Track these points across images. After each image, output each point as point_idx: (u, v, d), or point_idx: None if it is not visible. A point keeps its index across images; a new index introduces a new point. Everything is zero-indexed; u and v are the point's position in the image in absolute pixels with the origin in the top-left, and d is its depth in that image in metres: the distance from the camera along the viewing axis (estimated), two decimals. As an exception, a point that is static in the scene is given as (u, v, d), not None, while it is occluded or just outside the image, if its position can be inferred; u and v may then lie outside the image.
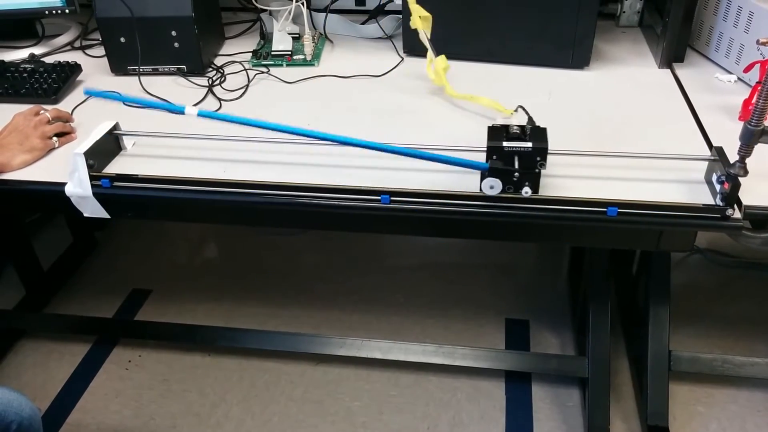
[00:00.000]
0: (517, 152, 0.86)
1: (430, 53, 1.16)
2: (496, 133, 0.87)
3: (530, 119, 0.94)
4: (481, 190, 0.89)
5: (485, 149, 0.87)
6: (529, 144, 0.85)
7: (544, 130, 0.88)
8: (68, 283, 1.85)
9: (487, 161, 0.87)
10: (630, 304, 1.60)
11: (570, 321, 1.66)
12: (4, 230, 1.69)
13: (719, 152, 0.90)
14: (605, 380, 1.37)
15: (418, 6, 1.13)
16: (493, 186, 0.87)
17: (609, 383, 1.38)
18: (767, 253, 1.84)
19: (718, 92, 1.17)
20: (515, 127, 0.88)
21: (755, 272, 1.81)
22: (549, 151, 0.95)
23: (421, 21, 1.14)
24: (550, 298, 1.76)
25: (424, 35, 1.15)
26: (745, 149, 0.84)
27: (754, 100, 0.82)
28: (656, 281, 1.35)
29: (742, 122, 0.84)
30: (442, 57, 1.16)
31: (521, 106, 1.01)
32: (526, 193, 0.88)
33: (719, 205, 0.87)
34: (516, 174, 0.87)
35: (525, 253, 1.94)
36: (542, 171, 0.88)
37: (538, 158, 0.86)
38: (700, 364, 1.40)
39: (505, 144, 0.85)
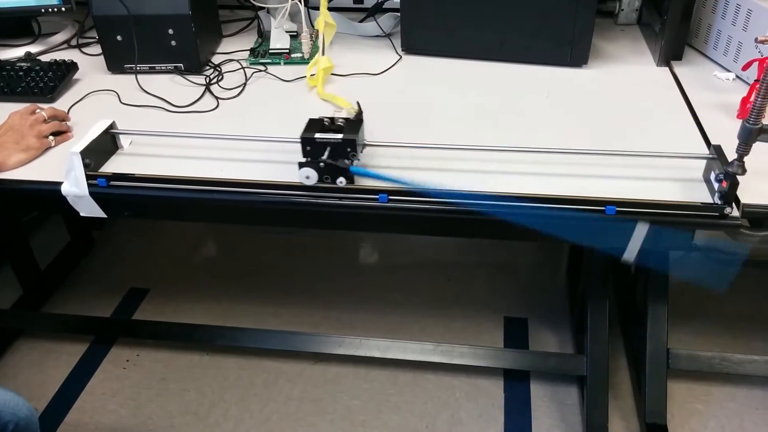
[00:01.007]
0: (329, 143, 0.90)
1: (318, 54, 1.21)
2: (315, 124, 0.92)
3: (358, 112, 1.00)
4: (300, 180, 0.92)
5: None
6: (340, 135, 0.89)
7: (359, 122, 0.94)
8: (65, 282, 1.85)
9: (302, 152, 0.91)
10: (628, 303, 1.60)
11: (569, 319, 1.66)
12: (1, 229, 1.69)
13: (717, 150, 0.90)
14: (603, 378, 1.37)
15: (327, 12, 1.19)
16: (309, 176, 0.90)
17: (607, 381, 1.38)
18: (765, 251, 1.84)
19: (717, 90, 1.17)
20: (339, 120, 0.92)
21: (753, 270, 1.81)
22: (548, 150, 0.97)
23: (324, 26, 1.20)
24: (549, 296, 1.76)
25: (323, 39, 1.21)
26: (743, 147, 0.84)
27: (752, 98, 0.82)
28: (654, 279, 1.34)
29: (740, 120, 0.84)
30: (327, 58, 1.22)
31: (358, 102, 1.06)
32: (341, 182, 0.91)
33: (717, 204, 0.87)
34: (324, 164, 0.90)
35: (524, 251, 1.94)
36: (540, 170, 0.88)
37: (348, 149, 0.90)
38: (699, 362, 1.40)
39: (317, 135, 0.90)
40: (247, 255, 1.95)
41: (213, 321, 1.68)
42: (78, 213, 1.00)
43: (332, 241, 1.99)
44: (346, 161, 0.90)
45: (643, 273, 1.41)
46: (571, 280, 1.75)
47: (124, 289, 1.82)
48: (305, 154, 0.91)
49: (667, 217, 0.88)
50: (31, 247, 1.76)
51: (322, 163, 0.89)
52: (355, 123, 0.93)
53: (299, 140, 0.91)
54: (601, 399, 1.37)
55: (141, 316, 1.73)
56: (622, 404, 1.45)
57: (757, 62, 1.10)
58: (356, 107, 1.08)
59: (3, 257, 1.77)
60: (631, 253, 0.88)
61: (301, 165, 0.90)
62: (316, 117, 0.94)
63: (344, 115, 0.96)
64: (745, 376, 1.47)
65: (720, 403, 1.46)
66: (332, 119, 0.93)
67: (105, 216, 1.00)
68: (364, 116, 1.12)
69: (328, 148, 0.90)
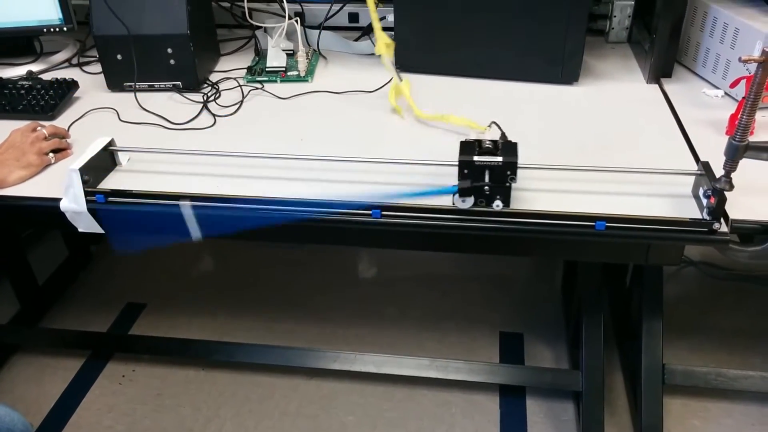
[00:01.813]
0: (488, 166, 0.88)
1: (395, 78, 1.20)
2: (468, 147, 0.90)
3: (503, 134, 0.97)
4: (453, 204, 0.90)
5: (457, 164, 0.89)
6: (500, 158, 0.87)
7: (515, 144, 0.90)
8: (63, 297, 1.85)
9: (459, 176, 0.89)
10: (624, 317, 1.61)
11: (564, 334, 1.67)
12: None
13: (705, 167, 0.92)
14: (599, 394, 1.37)
15: (383, 33, 1.17)
16: (464, 200, 0.89)
17: (603, 397, 1.38)
18: (760, 266, 1.85)
19: (706, 107, 1.19)
20: (487, 142, 0.90)
21: (748, 285, 1.81)
22: (539, 166, 0.98)
23: (385, 48, 1.18)
24: (544, 311, 1.76)
25: (388, 61, 1.19)
26: (730, 164, 0.85)
27: (739, 115, 0.84)
28: (649, 294, 1.35)
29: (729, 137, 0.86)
30: (406, 80, 1.20)
31: (494, 122, 1.03)
32: (497, 206, 0.90)
33: (706, 219, 0.88)
34: (486, 188, 0.88)
35: (519, 265, 1.95)
36: (526, 185, 0.89)
37: (508, 172, 0.88)
38: (694, 378, 1.40)
39: (476, 158, 0.88)
40: (243, 270, 1.96)
41: (209, 336, 1.68)
42: (76, 229, 1.01)
43: (328, 255, 1.99)
44: (506, 184, 0.89)
45: (637, 287, 1.42)
46: (566, 294, 1.76)
47: (121, 303, 1.82)
48: (462, 177, 0.89)
49: (656, 233, 0.89)
50: (29, 262, 1.76)
51: (485, 188, 0.88)
52: (510, 145, 0.90)
53: (309, 157, 0.90)
54: (597, 415, 1.37)
55: (137, 331, 1.73)
56: (619, 420, 1.45)
57: (744, 80, 1.12)
58: (492, 127, 1.05)
59: (1, 272, 1.77)
60: None
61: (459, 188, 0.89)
62: (467, 139, 0.91)
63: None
64: (741, 391, 1.46)
65: (717, 419, 1.45)
66: (479, 141, 0.91)
67: (103, 232, 1.01)
68: (361, 133, 1.14)
69: (487, 171, 0.88)
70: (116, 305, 1.82)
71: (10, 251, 1.72)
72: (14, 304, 1.74)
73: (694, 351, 1.61)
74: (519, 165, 0.88)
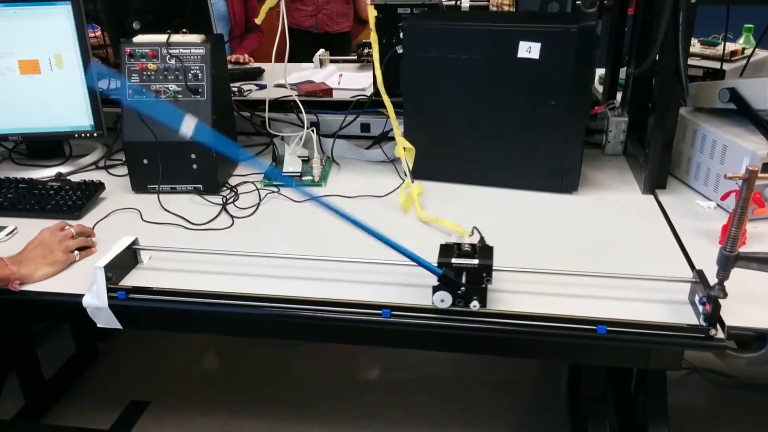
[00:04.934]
0: (465, 268, 0.93)
1: (408, 180, 1.29)
2: (448, 250, 0.95)
3: (482, 239, 1.02)
4: (432, 303, 0.93)
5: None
6: (476, 261, 0.93)
7: (491, 248, 0.96)
8: (68, 393, 1.84)
9: (438, 280, 0.93)
10: (630, 423, 1.58)
11: (571, 440, 1.64)
12: (10, 339, 1.72)
13: (700, 275, 0.96)
14: (608, 505, 1.34)
15: (403, 138, 1.28)
16: (443, 299, 0.93)
17: (612, 508, 1.34)
18: (765, 373, 1.84)
19: (699, 218, 1.24)
20: (466, 245, 0.96)
21: (754, 393, 1.80)
22: (543, 270, 1.02)
23: (405, 152, 1.28)
24: (550, 415, 1.74)
25: (406, 163, 1.29)
26: (723, 273, 0.89)
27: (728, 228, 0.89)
28: (653, 401, 1.34)
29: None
30: (418, 183, 1.29)
31: (476, 227, 1.09)
32: (474, 306, 0.93)
33: (703, 326, 0.91)
34: (462, 288, 0.92)
35: (524, 370, 1.94)
36: (528, 288, 0.92)
37: (484, 274, 0.93)
38: (704, 489, 1.37)
39: (453, 260, 0.93)
40: (246, 368, 1.96)
41: (212, 436, 1.67)
42: (95, 324, 1.04)
43: (332, 355, 2.00)
44: (482, 285, 0.93)
45: (642, 393, 1.41)
46: (572, 399, 1.74)
47: (124, 401, 1.81)
48: (441, 279, 0.92)
49: (656, 338, 0.92)
50: (38, 357, 1.78)
51: (461, 287, 0.92)
52: (486, 248, 0.97)
53: (321, 258, 0.95)
54: None
55: (140, 430, 1.71)
56: None
57: (734, 193, 1.18)
58: (472, 232, 1.11)
59: (9, 367, 1.78)
60: None
61: (435, 289, 0.92)
62: (447, 243, 0.97)
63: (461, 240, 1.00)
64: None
65: None
66: (459, 245, 0.96)
67: (121, 327, 1.04)
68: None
69: (464, 273, 0.93)
70: (120, 402, 1.81)
71: (19, 346, 1.74)
72: (20, 399, 1.73)
73: (704, 461, 1.58)
74: (497, 268, 0.94)
